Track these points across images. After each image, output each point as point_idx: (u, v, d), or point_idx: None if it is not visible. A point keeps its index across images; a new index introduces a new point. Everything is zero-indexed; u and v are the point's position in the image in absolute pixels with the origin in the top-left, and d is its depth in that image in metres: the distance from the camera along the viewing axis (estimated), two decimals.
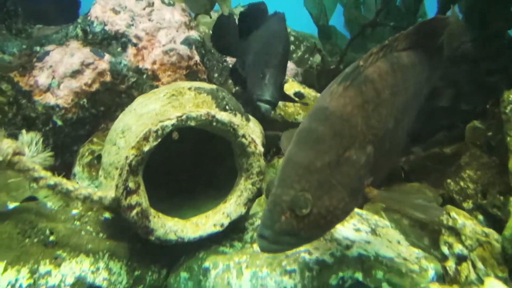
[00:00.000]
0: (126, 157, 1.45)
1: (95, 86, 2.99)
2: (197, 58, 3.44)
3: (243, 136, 1.58)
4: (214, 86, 1.80)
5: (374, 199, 1.12)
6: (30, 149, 1.51)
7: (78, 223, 1.63)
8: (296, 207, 0.98)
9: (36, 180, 1.41)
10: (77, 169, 2.43)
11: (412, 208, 1.08)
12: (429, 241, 1.67)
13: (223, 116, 1.56)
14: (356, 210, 1.77)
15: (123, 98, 3.14)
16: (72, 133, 2.76)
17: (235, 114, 1.68)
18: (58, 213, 1.67)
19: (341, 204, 1.02)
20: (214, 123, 1.56)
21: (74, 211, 1.80)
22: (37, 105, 2.76)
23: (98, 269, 1.39)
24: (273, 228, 0.99)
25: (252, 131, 1.64)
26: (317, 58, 4.65)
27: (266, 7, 2.63)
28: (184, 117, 1.54)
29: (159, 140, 1.51)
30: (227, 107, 1.69)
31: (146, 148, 1.47)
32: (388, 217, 1.81)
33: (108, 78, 3.04)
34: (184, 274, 1.49)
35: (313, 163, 1.01)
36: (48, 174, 1.44)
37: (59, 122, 2.74)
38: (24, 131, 1.55)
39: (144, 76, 3.22)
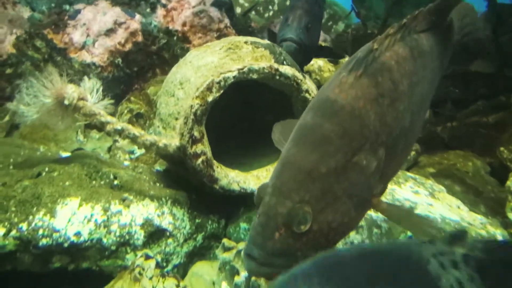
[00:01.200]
0: (191, 106, 1.44)
1: (128, 46, 2.95)
2: (227, 21, 3.37)
3: (306, 91, 1.56)
4: (269, 42, 1.77)
5: (381, 213, 0.95)
6: (92, 96, 1.51)
7: (134, 173, 1.65)
8: (294, 223, 0.81)
9: (103, 124, 1.42)
10: None
11: (425, 236, 0.89)
12: (485, 208, 1.67)
13: (287, 69, 1.54)
14: (408, 173, 1.76)
15: (155, 60, 3.11)
16: (108, 92, 2.75)
17: None
18: (115, 162, 1.69)
19: (346, 219, 0.85)
20: (277, 77, 1.54)
21: (126, 163, 1.82)
22: (73, 62, 2.74)
23: (163, 213, 1.42)
24: (264, 247, 0.82)
25: (311, 88, 1.62)
26: (340, 26, 4.52)
27: None
28: (245, 69, 1.52)
29: (222, 91, 1.49)
30: (284, 62, 1.66)
31: (210, 99, 1.47)
32: (438, 182, 1.80)
33: (139, 38, 3.00)
34: (244, 225, 1.52)
35: (317, 168, 0.83)
36: (114, 119, 1.44)
37: None
38: (86, 77, 1.54)
39: (174, 37, 3.17)
